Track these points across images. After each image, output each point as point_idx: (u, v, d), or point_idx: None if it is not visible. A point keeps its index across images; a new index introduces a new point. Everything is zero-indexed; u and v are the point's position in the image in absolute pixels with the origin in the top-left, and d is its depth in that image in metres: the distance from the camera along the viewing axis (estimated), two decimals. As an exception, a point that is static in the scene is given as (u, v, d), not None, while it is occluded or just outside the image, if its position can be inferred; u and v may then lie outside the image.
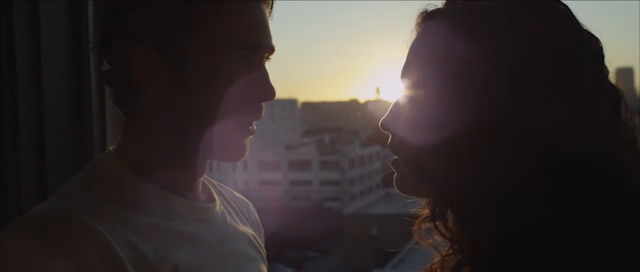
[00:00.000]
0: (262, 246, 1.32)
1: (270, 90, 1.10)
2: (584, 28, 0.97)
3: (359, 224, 41.59)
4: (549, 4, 0.97)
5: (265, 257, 1.32)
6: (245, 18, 1.07)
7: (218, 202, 1.24)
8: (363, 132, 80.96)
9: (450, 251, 0.99)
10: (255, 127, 1.13)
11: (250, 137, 1.13)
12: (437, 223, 0.97)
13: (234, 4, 1.07)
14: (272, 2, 1.11)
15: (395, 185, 1.09)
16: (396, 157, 1.07)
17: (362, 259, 37.96)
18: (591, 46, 0.95)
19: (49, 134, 1.50)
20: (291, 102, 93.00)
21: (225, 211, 1.25)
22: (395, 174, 1.08)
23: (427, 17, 1.02)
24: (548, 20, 0.94)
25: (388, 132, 1.08)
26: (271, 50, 1.11)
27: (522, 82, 0.89)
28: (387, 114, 1.07)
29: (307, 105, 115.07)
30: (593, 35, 0.97)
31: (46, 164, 1.50)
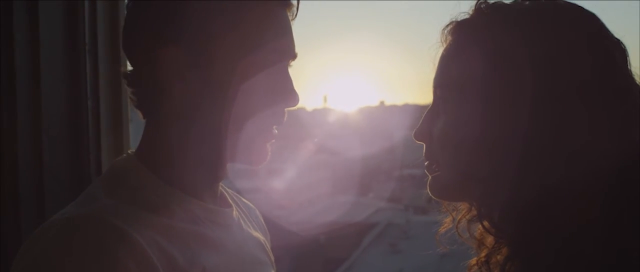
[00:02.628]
0: (270, 251, 1.33)
1: (295, 96, 1.12)
2: (615, 37, 1.01)
3: (307, 232, 41.57)
4: (583, 12, 1.01)
5: (273, 262, 1.32)
6: (273, 24, 1.08)
7: (235, 207, 1.24)
8: (311, 140, 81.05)
9: (496, 246, 1.02)
10: (277, 132, 1.14)
11: (273, 141, 1.14)
12: (484, 222, 1.00)
13: (264, 9, 1.08)
14: (297, 9, 1.13)
15: (431, 190, 1.11)
16: (429, 163, 1.10)
17: (310, 267, 37.94)
18: (625, 56, 1.00)
19: (46, 134, 1.51)
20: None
21: (240, 216, 1.25)
22: (431, 179, 1.10)
23: (460, 27, 1.05)
24: (587, 29, 0.99)
25: (422, 142, 1.11)
26: (294, 56, 1.13)
27: (564, 87, 0.93)
28: (420, 124, 1.11)
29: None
30: (621, 43, 1.01)
31: (42, 163, 1.51)
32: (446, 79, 1.05)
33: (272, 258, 1.32)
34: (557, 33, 0.96)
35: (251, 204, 1.38)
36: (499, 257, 1.00)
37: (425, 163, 1.11)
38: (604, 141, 0.93)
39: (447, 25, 1.08)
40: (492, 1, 1.05)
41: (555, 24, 0.98)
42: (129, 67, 1.13)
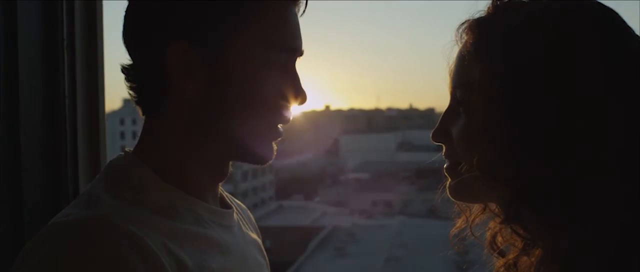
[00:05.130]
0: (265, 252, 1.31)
1: (303, 94, 1.10)
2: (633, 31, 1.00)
3: (253, 237, 41.27)
4: (604, 8, 1.00)
5: (268, 264, 1.31)
6: (284, 21, 1.07)
7: (235, 208, 1.22)
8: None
9: (526, 248, 0.99)
10: (283, 130, 1.12)
11: (279, 139, 1.12)
12: (512, 224, 0.97)
13: (276, 7, 1.06)
14: (305, 6, 1.11)
15: (453, 192, 1.08)
16: (449, 164, 1.07)
17: (256, 272, 37.65)
18: None
19: (24, 132, 1.51)
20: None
21: (239, 218, 1.23)
22: (450, 182, 1.08)
23: (478, 26, 1.03)
24: (611, 26, 0.98)
25: (440, 143, 1.09)
26: (302, 53, 1.11)
27: (594, 85, 0.93)
28: (438, 124, 1.09)
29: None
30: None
31: (20, 161, 1.50)
32: (467, 79, 1.02)
33: (267, 260, 1.31)
34: (583, 31, 0.96)
35: (242, 205, 1.36)
36: (531, 259, 0.99)
37: (445, 165, 1.09)
38: None
39: (463, 24, 1.06)
40: None
41: (581, 22, 0.97)
42: (129, 62, 1.09)
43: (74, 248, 0.90)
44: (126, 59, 1.10)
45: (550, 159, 0.92)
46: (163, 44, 1.03)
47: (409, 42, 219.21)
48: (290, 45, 1.08)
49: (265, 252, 1.29)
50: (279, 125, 1.10)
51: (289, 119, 1.11)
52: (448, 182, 1.09)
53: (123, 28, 1.09)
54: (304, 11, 1.12)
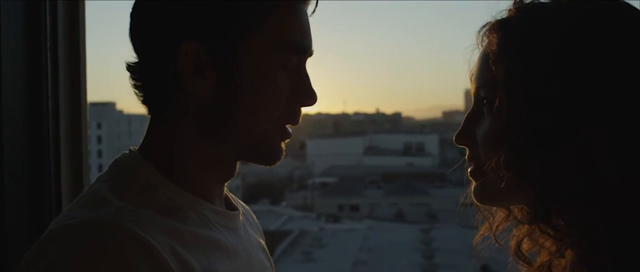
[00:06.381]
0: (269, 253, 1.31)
1: (313, 95, 1.10)
2: None
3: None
4: (627, 6, 1.00)
5: (273, 265, 1.29)
6: (296, 22, 1.06)
7: (240, 210, 1.21)
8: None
9: (559, 250, 0.99)
10: (291, 131, 1.11)
11: (288, 140, 1.11)
12: (541, 224, 0.96)
13: (288, 6, 1.06)
14: (316, 5, 1.11)
15: (479, 195, 1.06)
16: (474, 167, 1.06)
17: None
18: None
19: (6, 133, 1.50)
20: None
21: (244, 219, 1.22)
22: (476, 185, 1.06)
23: (501, 27, 1.03)
24: (633, 22, 0.98)
25: (464, 146, 1.07)
26: (311, 54, 1.11)
27: (612, 78, 0.93)
28: (461, 127, 1.07)
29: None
30: None
31: (2, 162, 1.50)
32: (491, 78, 1.01)
33: (272, 262, 1.29)
34: (607, 29, 0.96)
35: (245, 205, 1.33)
36: (563, 261, 0.98)
37: (470, 168, 1.07)
38: None
39: (483, 27, 1.06)
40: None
41: (606, 20, 0.97)
42: (135, 60, 1.08)
43: (81, 252, 0.90)
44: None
45: (575, 156, 0.92)
46: (174, 43, 1.02)
47: (376, 47, 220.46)
48: (301, 46, 1.08)
49: (269, 254, 1.29)
50: (288, 126, 1.10)
51: (298, 119, 1.11)
52: (473, 186, 1.07)
53: (131, 26, 1.07)
54: (314, 10, 1.11)
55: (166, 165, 1.07)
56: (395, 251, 39.84)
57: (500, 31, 1.02)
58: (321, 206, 58.24)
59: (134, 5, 1.07)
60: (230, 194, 1.24)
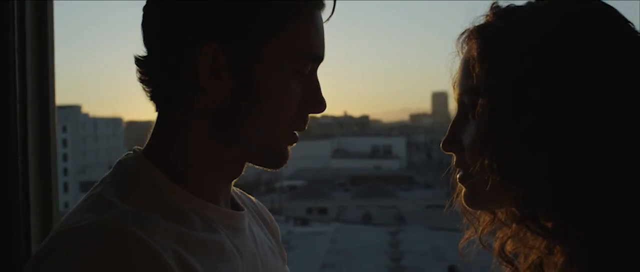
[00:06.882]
0: (281, 247, 1.32)
1: (323, 103, 1.11)
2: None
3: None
4: (605, 7, 1.01)
5: (285, 257, 1.31)
6: (313, 30, 1.07)
7: (246, 210, 1.21)
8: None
9: (548, 248, 1.01)
10: (298, 136, 1.12)
11: (294, 144, 1.12)
12: (529, 224, 0.98)
13: (307, 13, 1.07)
14: (332, 12, 1.11)
15: (468, 200, 1.08)
16: (462, 173, 1.07)
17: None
18: None
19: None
20: (116, 121, 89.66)
21: (250, 218, 1.22)
22: (466, 190, 1.07)
23: (480, 32, 1.04)
24: (614, 25, 1.00)
25: (451, 152, 1.09)
26: (322, 60, 1.12)
27: (603, 85, 0.94)
28: (448, 134, 1.08)
29: (132, 125, 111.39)
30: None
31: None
32: (473, 84, 1.02)
33: (285, 254, 1.31)
34: (585, 29, 0.98)
35: (255, 199, 1.34)
36: (554, 259, 0.99)
37: (458, 175, 1.09)
38: None
39: (462, 34, 1.08)
40: (505, 4, 1.06)
41: (582, 21, 0.99)
42: (144, 53, 1.07)
43: (86, 256, 0.90)
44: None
45: (558, 156, 0.94)
46: (195, 44, 1.02)
47: (343, 50, 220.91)
48: (316, 54, 1.09)
49: (279, 251, 1.29)
50: (295, 131, 1.11)
51: (305, 126, 1.12)
52: (463, 192, 1.08)
53: (145, 24, 1.07)
54: (329, 17, 1.12)
55: (171, 165, 1.06)
56: (363, 253, 39.95)
57: (479, 37, 1.03)
58: (289, 209, 58.18)
59: (151, 4, 1.07)
60: (238, 191, 1.25)
